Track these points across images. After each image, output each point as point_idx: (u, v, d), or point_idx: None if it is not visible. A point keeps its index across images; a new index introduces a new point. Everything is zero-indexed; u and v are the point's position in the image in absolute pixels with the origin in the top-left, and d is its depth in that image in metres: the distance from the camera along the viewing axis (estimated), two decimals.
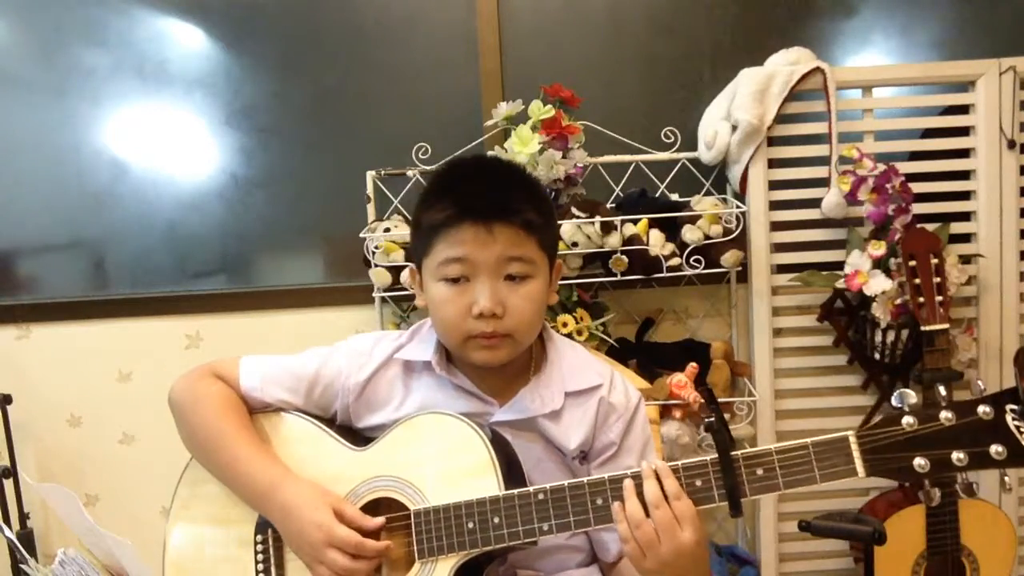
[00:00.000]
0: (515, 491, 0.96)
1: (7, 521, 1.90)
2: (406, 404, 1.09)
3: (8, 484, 1.90)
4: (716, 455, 0.90)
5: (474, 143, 1.90)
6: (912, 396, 0.87)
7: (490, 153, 1.78)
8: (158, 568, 1.08)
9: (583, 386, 1.10)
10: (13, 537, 1.13)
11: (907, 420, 0.85)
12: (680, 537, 0.89)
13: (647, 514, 0.90)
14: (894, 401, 0.87)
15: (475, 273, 1.01)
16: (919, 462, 0.84)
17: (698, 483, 0.91)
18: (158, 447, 2.03)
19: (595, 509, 0.94)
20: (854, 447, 0.87)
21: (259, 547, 1.05)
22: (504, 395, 1.09)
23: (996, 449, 0.82)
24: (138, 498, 2.04)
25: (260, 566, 1.05)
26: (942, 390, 0.87)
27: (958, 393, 1.79)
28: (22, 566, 1.00)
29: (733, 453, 0.90)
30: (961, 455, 0.83)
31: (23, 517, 1.93)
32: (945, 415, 0.84)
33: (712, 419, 0.90)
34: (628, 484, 0.92)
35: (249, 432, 1.08)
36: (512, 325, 1.02)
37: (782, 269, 1.90)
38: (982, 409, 0.83)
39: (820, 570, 1.98)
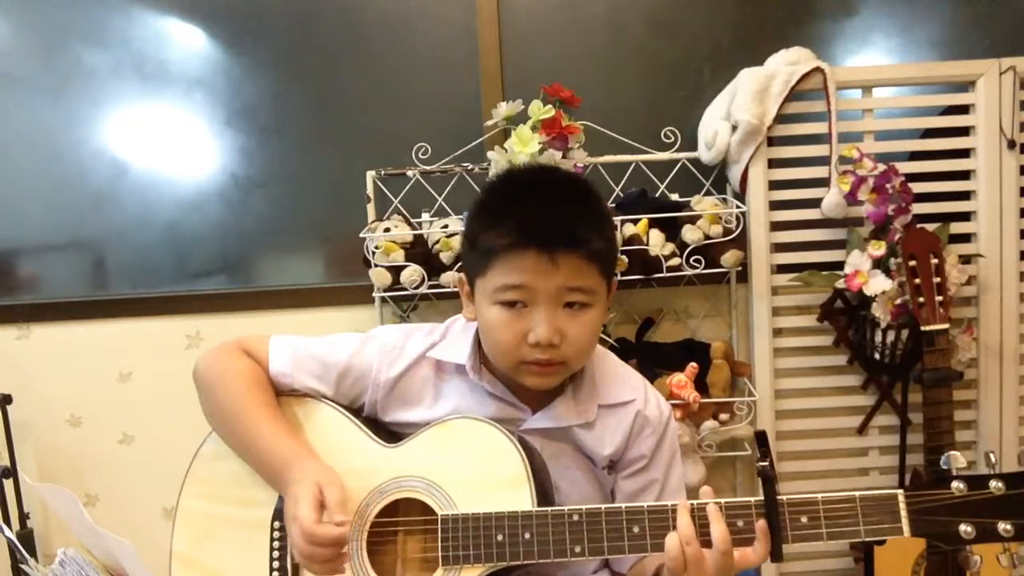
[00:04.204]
0: (549, 509, 0.95)
1: (7, 521, 1.90)
2: (438, 406, 1.08)
3: (8, 484, 1.90)
4: (760, 497, 0.90)
5: (474, 143, 1.90)
6: (961, 460, 0.87)
7: (491, 155, 1.77)
8: (159, 564, 1.07)
9: (617, 400, 1.09)
10: (13, 537, 1.13)
11: (957, 485, 0.85)
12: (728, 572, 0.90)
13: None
14: (942, 462, 0.87)
15: (534, 300, 0.97)
16: (965, 528, 0.85)
17: (740, 523, 0.90)
18: (158, 447, 2.03)
19: (631, 537, 0.92)
20: (902, 507, 0.87)
21: (276, 533, 1.04)
22: (537, 402, 1.08)
23: None
24: (138, 498, 2.04)
25: (275, 553, 1.03)
26: (992, 457, 0.87)
27: (959, 392, 1.80)
28: (22, 566, 1.00)
29: (779, 498, 0.89)
30: (1008, 526, 0.84)
31: (23, 517, 1.93)
32: (995, 484, 0.85)
33: (766, 464, 0.89)
34: (684, 503, 0.91)
35: (273, 410, 1.06)
36: (569, 353, 0.99)
37: (782, 269, 1.90)
38: None
39: (820, 570, 1.98)
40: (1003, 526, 0.83)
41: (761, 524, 0.90)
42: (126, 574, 1.00)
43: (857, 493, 0.88)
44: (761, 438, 0.93)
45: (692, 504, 0.92)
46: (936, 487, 0.86)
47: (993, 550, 0.87)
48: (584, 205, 1.01)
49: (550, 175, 1.09)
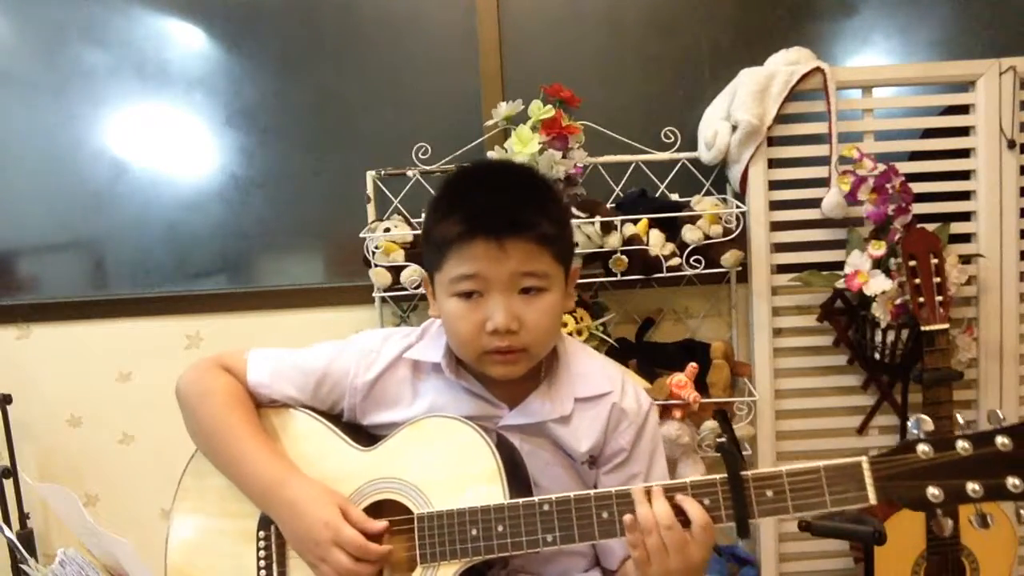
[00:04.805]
0: (520, 500, 0.95)
1: (7, 521, 1.90)
2: (415, 405, 1.08)
3: (8, 484, 1.90)
4: (725, 475, 0.89)
5: (474, 143, 1.90)
6: (929, 423, 0.84)
7: (491, 155, 1.77)
8: (159, 564, 1.08)
9: (593, 392, 1.09)
10: (13, 537, 1.13)
11: (922, 448, 0.83)
12: (690, 553, 0.89)
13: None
14: (910, 426, 0.85)
15: (488, 289, 0.99)
16: (933, 492, 0.82)
17: (706, 502, 0.90)
18: (158, 447, 2.03)
19: (600, 523, 0.93)
20: (867, 473, 0.85)
21: (261, 543, 1.05)
22: (513, 399, 1.08)
23: (1013, 482, 0.80)
24: (138, 498, 2.04)
25: (262, 562, 1.04)
26: (960, 418, 0.85)
27: (959, 393, 1.80)
28: (22, 566, 1.00)
29: (743, 474, 0.88)
30: (976, 486, 0.81)
31: (23, 517, 1.93)
32: (962, 445, 0.82)
33: (724, 439, 0.89)
34: (639, 491, 0.91)
35: (255, 427, 1.07)
36: (528, 339, 1.00)
37: (782, 269, 1.90)
38: (1000, 440, 0.82)
39: (820, 570, 1.98)
40: (971, 486, 0.81)
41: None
42: (126, 574, 1.00)
43: (821, 463, 0.87)
44: (721, 416, 0.94)
45: (647, 487, 0.92)
46: (902, 452, 0.84)
47: (966, 512, 0.85)
48: (531, 191, 1.03)
49: (499, 167, 1.12)
